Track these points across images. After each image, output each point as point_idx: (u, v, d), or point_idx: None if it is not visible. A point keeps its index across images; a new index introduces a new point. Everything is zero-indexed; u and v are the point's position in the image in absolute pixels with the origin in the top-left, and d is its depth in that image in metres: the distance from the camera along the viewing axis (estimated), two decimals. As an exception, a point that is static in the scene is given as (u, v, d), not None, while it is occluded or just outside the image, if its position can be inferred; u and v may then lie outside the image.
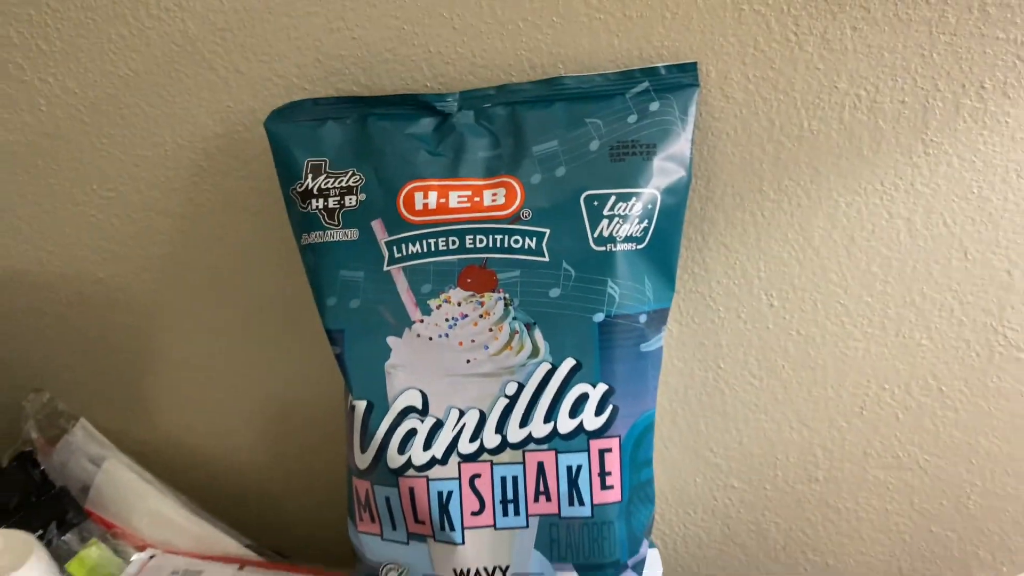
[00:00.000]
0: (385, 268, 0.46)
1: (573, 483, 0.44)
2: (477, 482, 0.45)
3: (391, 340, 0.46)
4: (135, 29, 0.52)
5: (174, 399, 0.61)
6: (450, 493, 0.45)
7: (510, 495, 0.45)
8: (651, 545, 0.48)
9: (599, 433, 0.45)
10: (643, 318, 0.45)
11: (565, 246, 0.45)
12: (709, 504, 0.55)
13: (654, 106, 0.45)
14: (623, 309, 0.45)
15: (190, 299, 0.58)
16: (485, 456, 0.45)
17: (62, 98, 0.55)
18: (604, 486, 0.44)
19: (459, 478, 0.45)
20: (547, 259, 0.45)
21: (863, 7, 0.44)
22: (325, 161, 0.47)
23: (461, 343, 0.45)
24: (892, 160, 0.47)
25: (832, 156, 0.47)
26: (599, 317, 0.45)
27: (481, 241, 0.45)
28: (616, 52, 0.48)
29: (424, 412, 0.45)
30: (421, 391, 0.45)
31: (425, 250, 0.46)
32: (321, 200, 0.47)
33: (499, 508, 0.45)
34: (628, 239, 0.45)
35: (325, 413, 0.58)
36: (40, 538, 0.49)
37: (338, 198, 0.47)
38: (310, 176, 0.47)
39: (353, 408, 0.46)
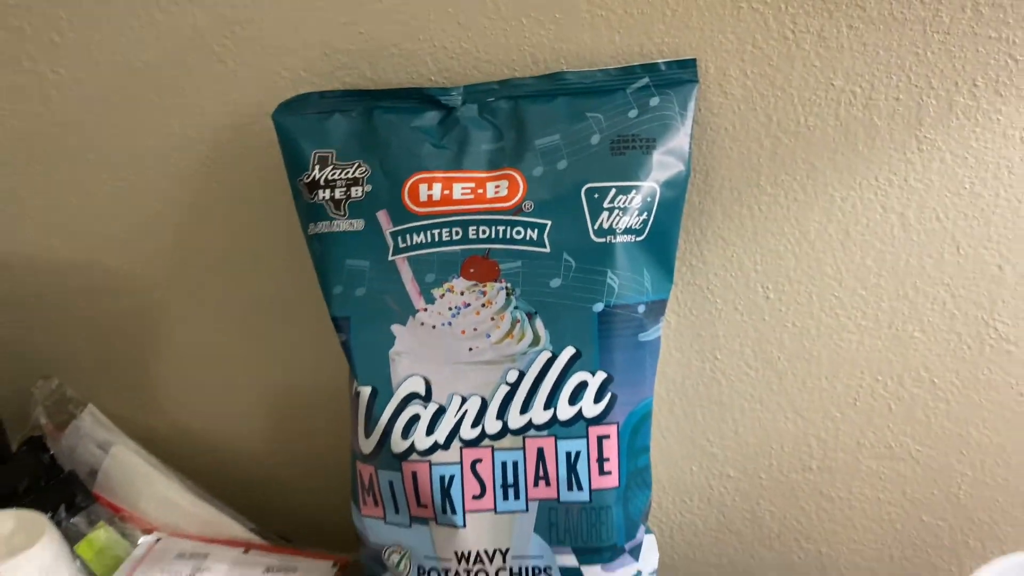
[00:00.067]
0: (390, 258, 0.47)
1: (572, 468, 0.46)
2: (478, 467, 0.46)
3: (395, 328, 0.47)
4: (145, 22, 0.53)
5: (181, 386, 0.63)
6: (452, 477, 0.46)
7: (510, 480, 0.46)
8: (648, 531, 0.49)
9: (598, 420, 0.46)
10: (642, 308, 0.46)
11: (566, 237, 0.46)
12: (705, 492, 0.57)
13: (654, 101, 0.46)
14: (622, 299, 0.46)
15: (197, 287, 0.59)
16: (486, 442, 0.46)
17: (73, 89, 0.56)
18: (602, 472, 0.46)
19: (461, 463, 0.46)
20: (548, 250, 0.46)
21: (859, 6, 0.45)
22: (332, 152, 0.48)
23: (464, 331, 0.46)
24: (886, 156, 0.48)
25: (828, 151, 0.48)
26: (599, 307, 0.46)
27: (484, 232, 0.46)
28: (617, 48, 0.49)
29: (427, 398, 0.46)
30: (424, 378, 0.46)
31: (429, 240, 0.47)
32: (328, 191, 0.48)
33: (499, 492, 0.46)
34: (628, 231, 0.46)
35: (329, 400, 0.59)
36: (50, 520, 0.50)
37: (344, 189, 0.48)
38: (317, 167, 0.48)
39: (358, 394, 0.47)
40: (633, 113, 0.46)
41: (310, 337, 0.58)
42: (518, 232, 0.46)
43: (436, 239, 0.47)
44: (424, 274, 0.47)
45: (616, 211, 0.46)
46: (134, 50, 0.54)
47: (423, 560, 0.47)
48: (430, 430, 0.46)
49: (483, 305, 0.46)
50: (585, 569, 0.45)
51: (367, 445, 0.47)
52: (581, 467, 0.46)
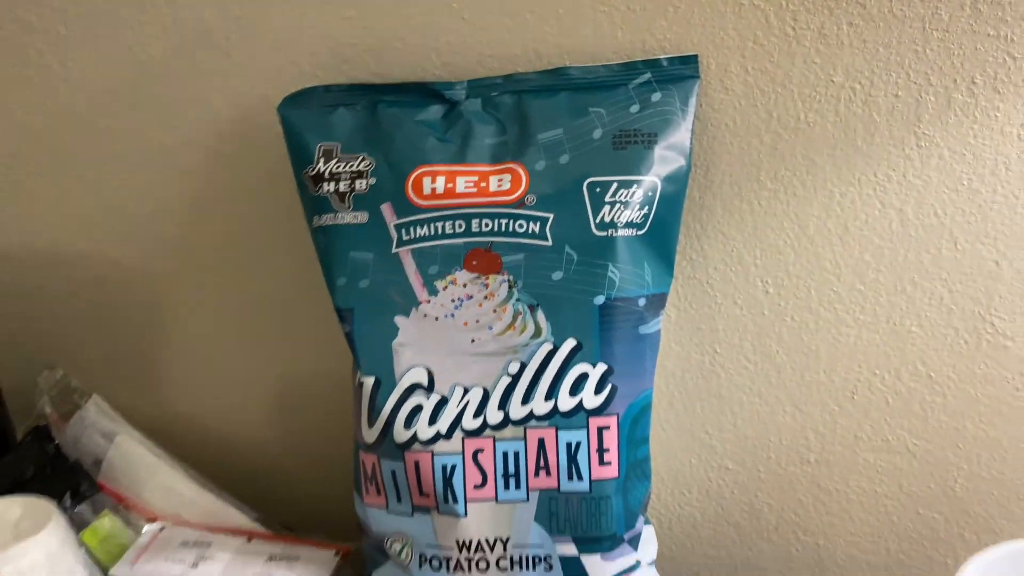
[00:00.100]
0: (394, 250, 0.48)
1: (572, 459, 0.46)
2: (480, 457, 0.46)
3: (399, 319, 0.47)
4: (152, 16, 0.53)
5: (185, 376, 0.63)
6: (454, 467, 0.46)
7: (511, 470, 0.46)
8: (647, 522, 0.50)
9: (598, 411, 0.46)
10: (642, 302, 0.47)
11: (568, 231, 0.46)
12: (704, 484, 0.57)
13: (656, 97, 0.47)
14: (623, 292, 0.46)
15: (202, 279, 0.60)
16: (488, 432, 0.46)
17: (80, 82, 0.56)
18: (602, 462, 0.46)
19: (463, 453, 0.46)
20: (550, 243, 0.46)
21: (859, 3, 0.46)
22: (336, 146, 0.49)
23: (466, 323, 0.47)
24: (885, 152, 0.48)
25: (827, 147, 0.49)
26: (600, 300, 0.46)
27: (487, 225, 0.47)
28: (620, 44, 0.49)
29: (430, 389, 0.47)
30: (427, 369, 0.47)
31: (432, 233, 0.47)
32: (332, 184, 0.49)
33: (501, 482, 0.46)
34: (629, 225, 0.46)
35: (332, 391, 0.60)
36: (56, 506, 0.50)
37: (349, 182, 0.48)
38: (322, 160, 0.49)
39: (361, 384, 0.48)
40: (635, 108, 0.47)
41: (313, 329, 0.59)
42: (520, 225, 0.47)
43: (439, 232, 0.47)
44: (427, 266, 0.47)
45: (617, 205, 0.46)
46: (141, 44, 0.54)
47: (424, 548, 0.47)
48: (432, 420, 0.46)
49: (485, 297, 0.47)
50: (584, 558, 0.46)
51: (370, 435, 0.48)
52: (581, 457, 0.46)
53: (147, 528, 0.56)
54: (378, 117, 0.49)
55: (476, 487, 0.46)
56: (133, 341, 0.63)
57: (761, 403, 0.54)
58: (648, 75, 0.48)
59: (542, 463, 0.46)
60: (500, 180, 0.47)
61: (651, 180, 0.46)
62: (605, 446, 0.46)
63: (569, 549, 0.46)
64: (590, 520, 0.46)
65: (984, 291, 0.50)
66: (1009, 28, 0.45)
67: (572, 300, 0.46)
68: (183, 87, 0.55)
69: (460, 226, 0.47)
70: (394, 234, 0.48)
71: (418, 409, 0.47)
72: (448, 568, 0.47)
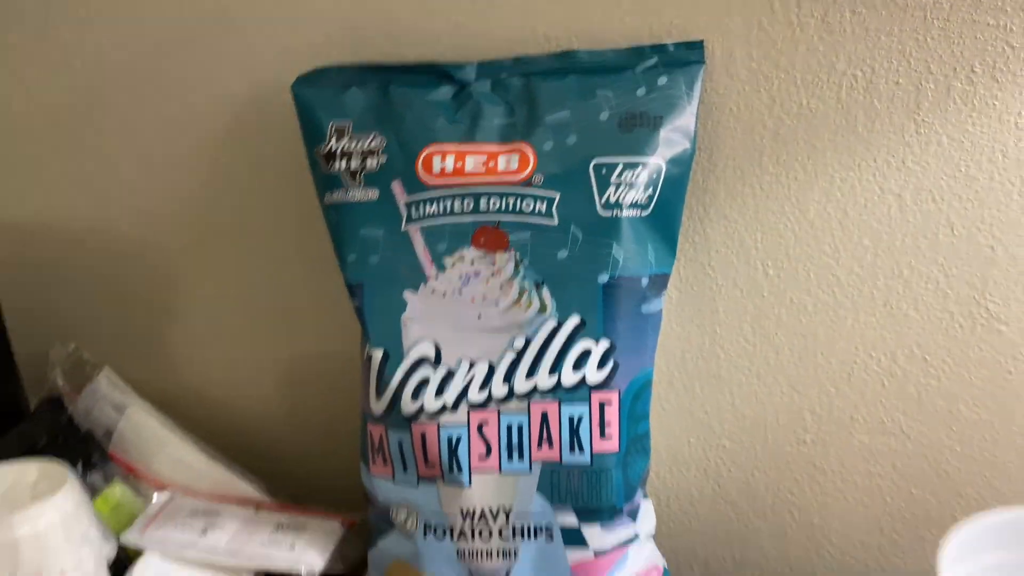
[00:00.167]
0: (403, 227, 0.49)
1: (574, 432, 0.47)
2: (485, 429, 0.47)
3: (407, 294, 0.48)
4: (169, -6, 0.54)
5: (195, 351, 0.64)
6: (459, 438, 0.48)
7: (515, 442, 0.47)
8: (645, 496, 0.51)
9: (600, 386, 0.47)
10: (645, 281, 0.48)
11: (574, 210, 0.47)
12: (702, 463, 0.58)
13: (662, 80, 0.48)
14: (626, 272, 0.47)
15: (213, 255, 0.61)
16: (493, 405, 0.47)
17: (98, 60, 0.57)
18: (603, 436, 0.47)
19: (468, 425, 0.48)
20: (556, 222, 0.47)
21: (862, -8, 0.47)
22: (349, 124, 0.50)
23: (473, 299, 0.48)
24: (885, 138, 0.49)
25: (829, 133, 0.50)
26: (603, 278, 0.47)
27: (495, 204, 0.48)
28: (627, 29, 0.50)
29: (437, 362, 0.48)
30: (435, 342, 0.48)
31: (441, 211, 0.48)
32: (344, 161, 0.50)
33: (504, 453, 0.47)
34: (633, 206, 0.48)
35: (339, 368, 0.61)
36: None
37: (360, 160, 0.49)
38: (334, 138, 0.50)
39: (370, 357, 0.49)
40: (641, 91, 0.48)
41: (322, 307, 0.60)
42: (528, 204, 0.48)
43: (448, 210, 0.48)
44: (436, 243, 0.48)
45: (623, 186, 0.47)
46: (158, 22, 0.55)
47: (429, 517, 0.48)
48: (439, 393, 0.48)
49: (492, 274, 0.48)
50: (585, 528, 0.47)
51: (378, 407, 0.49)
52: (583, 431, 0.47)
53: (157, 497, 0.57)
54: (389, 97, 0.50)
55: (480, 458, 0.48)
56: (144, 316, 0.64)
57: (759, 384, 0.56)
58: (655, 59, 0.49)
59: (545, 436, 0.47)
60: (508, 160, 0.48)
61: (656, 162, 0.48)
62: (606, 420, 0.48)
63: (570, 519, 0.47)
64: (591, 492, 0.47)
65: (979, 276, 0.51)
66: (1008, 18, 0.46)
67: (577, 278, 0.47)
68: (198, 66, 0.56)
69: (468, 204, 0.48)
70: (404, 211, 0.49)
71: (425, 382, 0.48)
72: (452, 536, 0.48)
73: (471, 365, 0.48)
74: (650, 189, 0.48)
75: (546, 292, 0.47)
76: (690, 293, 0.55)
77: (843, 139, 0.50)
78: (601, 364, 0.47)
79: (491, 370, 0.48)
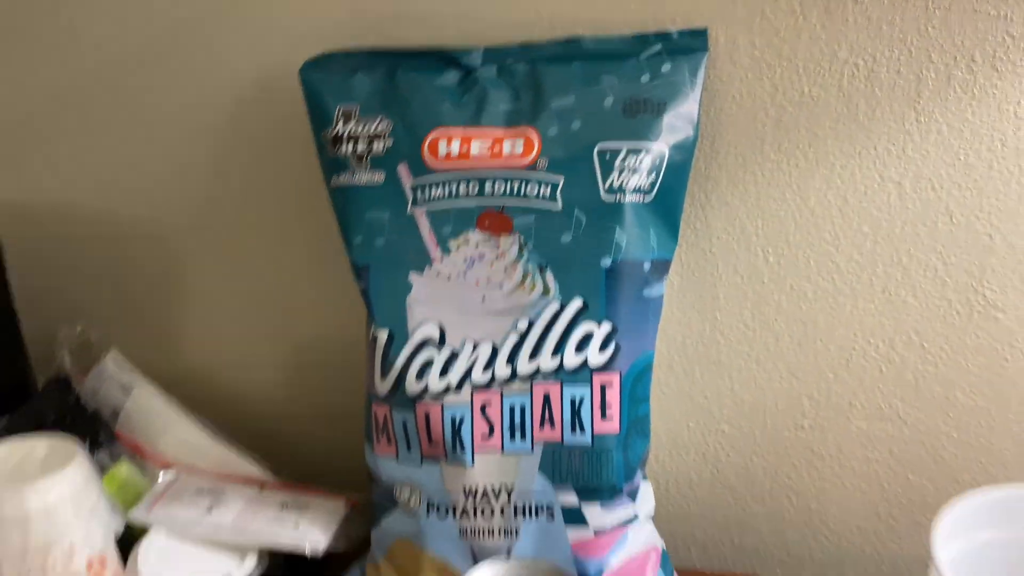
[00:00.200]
0: (409, 210, 0.49)
1: (576, 413, 0.48)
2: (488, 409, 0.48)
3: (413, 277, 0.49)
4: (179, -21, 0.55)
5: (201, 334, 0.65)
6: (462, 418, 0.48)
7: (517, 422, 0.48)
8: (644, 478, 0.52)
9: (602, 369, 0.48)
10: (647, 266, 0.49)
11: (577, 195, 0.48)
12: (701, 448, 0.59)
13: (666, 67, 0.49)
14: (629, 256, 0.48)
15: (220, 238, 0.62)
16: (496, 386, 0.48)
17: (105, 42, 0.58)
18: (604, 417, 0.48)
19: (471, 405, 0.48)
20: (560, 206, 0.48)
21: (865, -19, 0.47)
22: (356, 108, 0.50)
23: (477, 282, 0.49)
24: (886, 127, 0.50)
25: (830, 121, 0.50)
26: (606, 262, 0.48)
27: (500, 188, 0.48)
28: (632, 16, 0.51)
29: (441, 343, 0.49)
30: (439, 324, 0.49)
31: (447, 194, 0.49)
32: (350, 145, 0.50)
33: (507, 434, 0.48)
34: (636, 191, 0.48)
35: (343, 350, 0.62)
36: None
37: (367, 143, 0.50)
38: (341, 122, 0.50)
39: (375, 338, 0.49)
40: (646, 78, 0.49)
41: (326, 290, 0.61)
42: (532, 189, 0.48)
43: (453, 193, 0.49)
44: (441, 226, 0.49)
45: (626, 171, 0.48)
46: (167, 6, 0.56)
47: (432, 496, 0.49)
48: (443, 373, 0.48)
49: (497, 257, 0.49)
50: (585, 507, 0.48)
51: (383, 387, 0.50)
52: (584, 412, 0.48)
53: (162, 476, 0.58)
54: (396, 81, 0.51)
55: (483, 438, 0.48)
56: (150, 298, 0.65)
57: (759, 369, 0.56)
58: (659, 47, 0.49)
59: (547, 417, 0.48)
60: (513, 144, 0.48)
61: (659, 148, 0.48)
62: (607, 402, 0.48)
63: (571, 499, 0.48)
64: (591, 472, 0.48)
65: (977, 264, 0.51)
66: (1009, 8, 0.46)
67: (580, 262, 0.48)
68: (207, 50, 0.57)
69: (474, 188, 0.49)
70: (409, 194, 0.49)
71: (429, 362, 0.49)
72: (455, 515, 0.49)
73: (475, 346, 0.48)
74: (653, 174, 0.48)
75: (549, 275, 0.48)
76: (691, 279, 0.55)
77: (844, 127, 0.50)
78: (603, 347, 0.48)
79: (494, 352, 0.48)
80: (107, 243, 0.64)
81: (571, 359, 0.48)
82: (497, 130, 0.49)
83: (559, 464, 0.48)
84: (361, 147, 0.50)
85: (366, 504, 0.55)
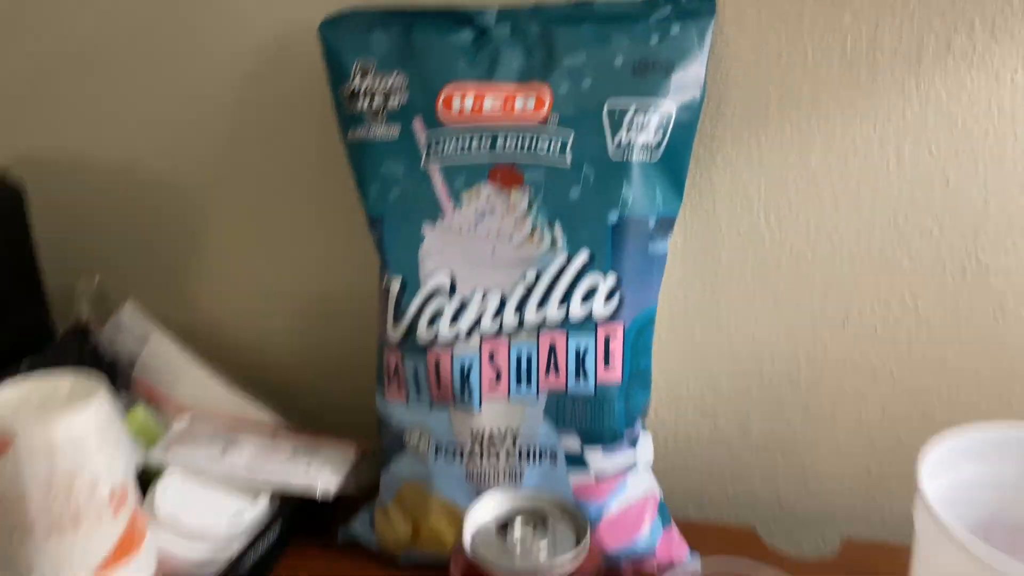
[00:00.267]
0: (423, 164, 0.51)
1: (580, 363, 0.50)
2: (496, 357, 0.50)
3: (425, 228, 0.51)
4: (201, -64, 0.56)
5: (216, 286, 0.67)
6: (471, 366, 0.50)
7: (524, 370, 0.50)
8: (644, 428, 0.54)
9: (606, 320, 0.50)
10: (652, 222, 0.50)
11: (586, 152, 0.50)
12: (699, 404, 0.61)
13: (675, 30, 0.50)
14: (635, 212, 0.50)
15: (237, 192, 0.63)
16: (504, 335, 0.50)
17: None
18: (607, 367, 0.50)
19: (480, 353, 0.50)
20: (569, 162, 0.50)
21: (870, -52, 0.49)
22: (373, 64, 0.52)
23: (488, 234, 0.50)
24: (886, 92, 0.51)
25: (832, 86, 0.52)
26: (613, 217, 0.49)
27: (511, 143, 0.50)
28: (643, -21, 0.52)
29: (452, 293, 0.50)
30: (450, 274, 0.50)
31: (460, 149, 0.51)
32: (367, 100, 0.52)
33: (513, 381, 0.50)
34: (644, 149, 0.50)
35: (354, 305, 0.63)
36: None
37: (383, 99, 0.52)
38: (358, 77, 0.52)
39: (389, 287, 0.51)
40: (655, 40, 0.50)
41: (340, 244, 0.62)
42: (543, 144, 0.50)
43: (466, 148, 0.50)
44: (453, 180, 0.51)
45: (634, 129, 0.49)
46: (189, -38, 0.57)
47: (440, 440, 0.51)
48: (453, 322, 0.50)
49: (507, 210, 0.50)
50: (587, 451, 0.50)
51: (395, 334, 0.51)
52: (588, 362, 0.50)
53: (178, 420, 0.60)
54: (412, 38, 0.52)
55: (491, 385, 0.50)
56: (168, 250, 0.67)
57: (757, 328, 0.58)
58: (668, 9, 0.51)
59: (552, 365, 0.50)
60: (525, 101, 0.50)
61: (667, 108, 0.50)
62: (611, 353, 0.50)
63: (574, 443, 0.50)
64: (594, 418, 0.50)
65: (971, 228, 0.53)
66: (1009, -23, 0.48)
67: (587, 216, 0.50)
68: (229, 7, 0.58)
69: (486, 143, 0.50)
70: (423, 149, 0.51)
71: (440, 311, 0.50)
72: (462, 458, 0.51)
73: (484, 296, 0.50)
74: (660, 133, 0.50)
75: (558, 228, 0.50)
76: (694, 239, 0.57)
77: (846, 92, 0.52)
78: (608, 298, 0.50)
79: (503, 301, 0.50)
80: (127, 196, 0.66)
81: (577, 310, 0.50)
82: (510, 86, 0.50)
83: (563, 411, 0.50)
84: (377, 102, 0.52)
85: (375, 451, 0.57)
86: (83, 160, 0.65)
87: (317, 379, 0.67)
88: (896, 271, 0.55)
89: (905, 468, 0.59)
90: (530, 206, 0.50)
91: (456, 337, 0.50)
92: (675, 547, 0.53)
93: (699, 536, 0.54)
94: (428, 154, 0.51)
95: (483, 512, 0.41)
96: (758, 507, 0.62)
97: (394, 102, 0.51)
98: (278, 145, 0.61)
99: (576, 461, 0.50)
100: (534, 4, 0.52)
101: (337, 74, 0.53)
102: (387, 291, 0.51)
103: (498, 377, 0.50)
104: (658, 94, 0.49)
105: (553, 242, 0.50)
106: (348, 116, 0.53)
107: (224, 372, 0.63)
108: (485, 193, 0.50)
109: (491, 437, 0.50)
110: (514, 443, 0.50)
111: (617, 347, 0.50)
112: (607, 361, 0.50)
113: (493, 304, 0.50)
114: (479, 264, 0.50)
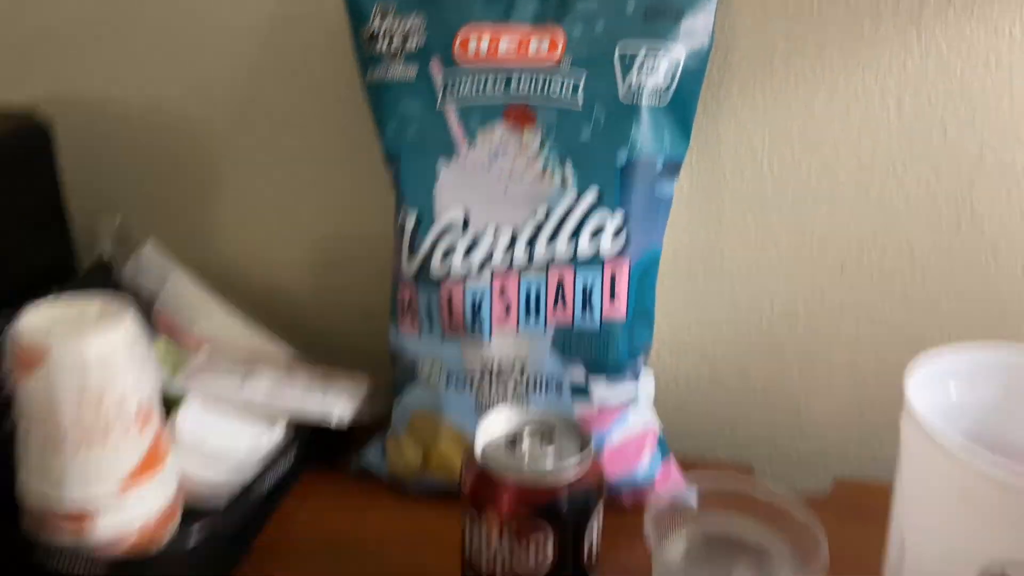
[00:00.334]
0: (439, 103, 0.53)
1: (587, 298, 0.52)
2: (506, 291, 0.52)
3: (441, 166, 0.53)
4: None
5: (235, 228, 0.69)
6: (482, 299, 0.52)
7: (532, 303, 0.52)
8: (646, 365, 0.56)
9: (613, 257, 0.52)
10: (659, 165, 0.52)
11: (597, 94, 0.51)
12: (700, 348, 0.63)
13: (685, -23, 0.52)
14: (643, 154, 0.52)
15: (258, 134, 0.65)
16: (514, 269, 0.52)
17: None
18: (613, 301, 0.52)
19: (491, 287, 0.52)
20: (581, 103, 0.52)
21: (876, -99, 0.50)
22: (392, 5, 0.54)
23: (501, 172, 0.52)
24: (889, 43, 0.53)
25: (837, 36, 0.54)
26: (622, 158, 0.51)
27: (525, 84, 0.52)
28: (655, -72, 0.53)
29: (465, 228, 0.52)
30: (464, 210, 0.52)
31: (475, 90, 0.52)
32: (386, 41, 0.54)
33: (523, 314, 0.52)
34: (653, 93, 0.52)
35: (370, 248, 0.65)
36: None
37: (401, 39, 0.53)
38: (378, 19, 0.54)
39: (404, 221, 0.53)
40: (665, -13, 0.52)
41: (356, 186, 0.64)
42: (555, 86, 0.52)
43: (481, 89, 0.52)
44: (468, 119, 0.52)
45: (644, 73, 0.51)
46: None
47: (452, 370, 0.53)
48: (466, 256, 0.52)
49: (520, 150, 0.52)
50: (592, 380, 0.52)
51: (409, 268, 0.53)
52: (595, 297, 0.52)
53: (198, 353, 0.62)
54: (431, -17, 0.54)
55: (501, 318, 0.52)
56: (188, 191, 0.69)
57: (758, 273, 0.60)
58: (679, -43, 0.52)
59: (560, 299, 0.52)
60: (539, 43, 0.52)
61: (676, 53, 0.51)
62: (616, 289, 0.52)
63: (579, 373, 0.52)
64: (599, 349, 0.52)
65: (967, 177, 0.55)
66: (1010, -70, 0.50)
67: (597, 156, 0.51)
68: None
69: (500, 84, 0.52)
70: (440, 89, 0.53)
71: (453, 246, 0.52)
72: (472, 387, 0.53)
73: (496, 232, 0.52)
74: (669, 78, 0.52)
75: (568, 168, 0.52)
76: (699, 185, 0.59)
77: (850, 43, 0.54)
78: (615, 236, 0.52)
79: (514, 237, 0.52)
80: (149, 135, 0.67)
81: (585, 247, 0.52)
82: (525, 28, 0.52)
83: (569, 343, 0.52)
84: (396, 43, 0.53)
85: (388, 385, 0.59)
86: (111, 102, 0.67)
87: (332, 319, 0.70)
88: (893, 219, 0.57)
89: (895, 414, 0.62)
90: (542, 145, 0.52)
91: (468, 271, 0.52)
92: (673, 479, 0.55)
93: (696, 473, 0.56)
94: (444, 94, 0.53)
95: (493, 426, 0.43)
96: (755, 448, 0.64)
97: (412, 43, 0.53)
98: (299, 86, 0.63)
99: (580, 391, 0.52)
100: (549, -48, 0.54)
101: (357, 16, 0.55)
102: (402, 226, 0.53)
103: (508, 310, 0.52)
104: (668, 39, 0.51)
105: (563, 181, 0.52)
106: (367, 57, 0.55)
107: (242, 309, 0.65)
108: (499, 132, 0.52)
109: (500, 367, 0.53)
110: (522, 373, 0.53)
111: (623, 284, 0.52)
112: (612, 296, 0.52)
113: (504, 240, 0.52)
114: (492, 201, 0.52)
